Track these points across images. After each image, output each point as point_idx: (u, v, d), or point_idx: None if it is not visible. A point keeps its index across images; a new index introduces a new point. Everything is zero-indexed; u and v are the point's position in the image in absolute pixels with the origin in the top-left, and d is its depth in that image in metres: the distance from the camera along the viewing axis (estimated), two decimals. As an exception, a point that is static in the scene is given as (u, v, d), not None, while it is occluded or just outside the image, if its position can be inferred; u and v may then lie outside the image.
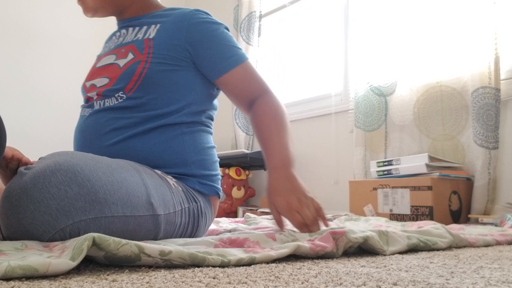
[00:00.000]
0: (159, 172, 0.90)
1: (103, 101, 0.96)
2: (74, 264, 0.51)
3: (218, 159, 1.06)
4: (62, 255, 0.53)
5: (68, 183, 0.66)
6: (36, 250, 0.58)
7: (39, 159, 0.73)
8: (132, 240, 0.76)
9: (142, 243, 0.57)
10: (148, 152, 0.93)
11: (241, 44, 3.03)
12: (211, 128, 1.07)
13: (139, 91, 0.94)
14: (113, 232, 0.71)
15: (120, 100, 0.94)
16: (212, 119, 1.07)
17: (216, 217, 2.57)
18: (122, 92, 0.95)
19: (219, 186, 1.04)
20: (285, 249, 0.67)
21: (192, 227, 0.93)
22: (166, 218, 0.82)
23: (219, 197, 1.05)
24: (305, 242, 0.72)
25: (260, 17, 3.04)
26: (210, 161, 1.01)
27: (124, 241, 0.55)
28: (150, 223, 0.78)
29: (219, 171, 1.05)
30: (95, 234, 0.54)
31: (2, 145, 0.68)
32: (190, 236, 0.94)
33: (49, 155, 0.72)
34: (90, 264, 0.59)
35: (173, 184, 0.89)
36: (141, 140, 0.93)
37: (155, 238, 0.81)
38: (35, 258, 0.50)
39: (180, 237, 0.90)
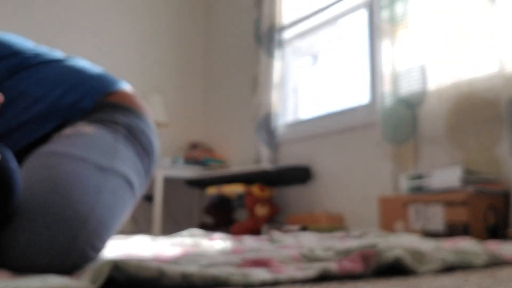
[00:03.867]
0: (68, 131, 0.80)
1: None
2: (93, 287, 0.50)
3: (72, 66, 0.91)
4: (82, 277, 0.52)
5: (45, 230, 0.61)
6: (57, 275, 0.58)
7: None
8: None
9: (163, 266, 0.55)
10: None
11: (262, 57, 3.01)
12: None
13: None
14: (118, 214, 0.70)
15: None
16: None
17: (239, 234, 2.53)
18: None
19: (103, 81, 0.90)
20: (310, 271, 0.65)
21: (143, 151, 0.85)
22: (119, 163, 0.76)
23: (114, 91, 0.90)
24: (332, 263, 0.69)
25: (281, 29, 3.02)
26: (60, 75, 0.87)
27: (144, 265, 0.54)
28: (119, 177, 0.75)
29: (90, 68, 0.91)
30: (116, 259, 0.53)
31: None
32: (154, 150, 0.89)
33: None
34: (111, 286, 0.58)
35: (89, 131, 0.79)
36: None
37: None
38: (55, 280, 0.50)
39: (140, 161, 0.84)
